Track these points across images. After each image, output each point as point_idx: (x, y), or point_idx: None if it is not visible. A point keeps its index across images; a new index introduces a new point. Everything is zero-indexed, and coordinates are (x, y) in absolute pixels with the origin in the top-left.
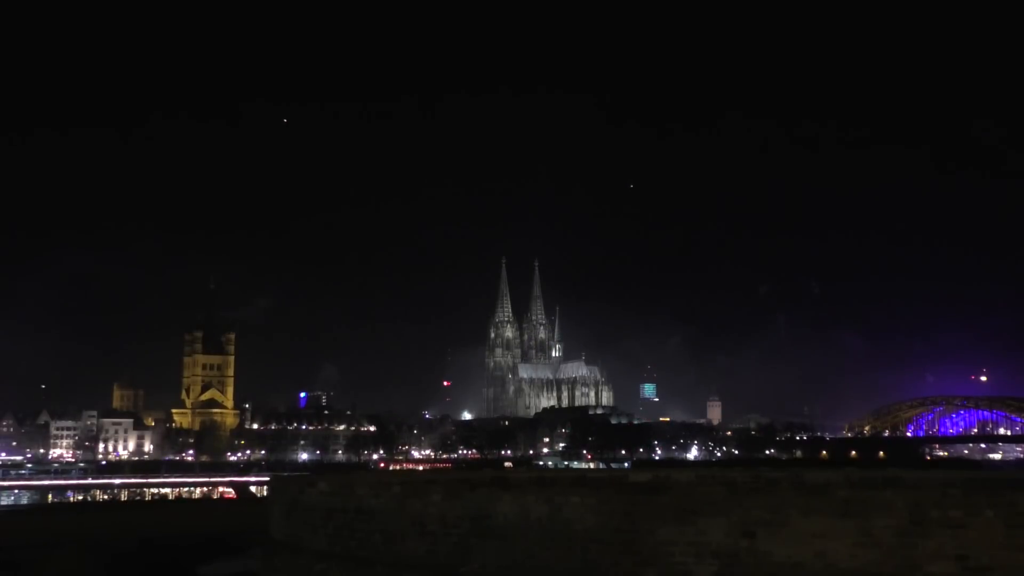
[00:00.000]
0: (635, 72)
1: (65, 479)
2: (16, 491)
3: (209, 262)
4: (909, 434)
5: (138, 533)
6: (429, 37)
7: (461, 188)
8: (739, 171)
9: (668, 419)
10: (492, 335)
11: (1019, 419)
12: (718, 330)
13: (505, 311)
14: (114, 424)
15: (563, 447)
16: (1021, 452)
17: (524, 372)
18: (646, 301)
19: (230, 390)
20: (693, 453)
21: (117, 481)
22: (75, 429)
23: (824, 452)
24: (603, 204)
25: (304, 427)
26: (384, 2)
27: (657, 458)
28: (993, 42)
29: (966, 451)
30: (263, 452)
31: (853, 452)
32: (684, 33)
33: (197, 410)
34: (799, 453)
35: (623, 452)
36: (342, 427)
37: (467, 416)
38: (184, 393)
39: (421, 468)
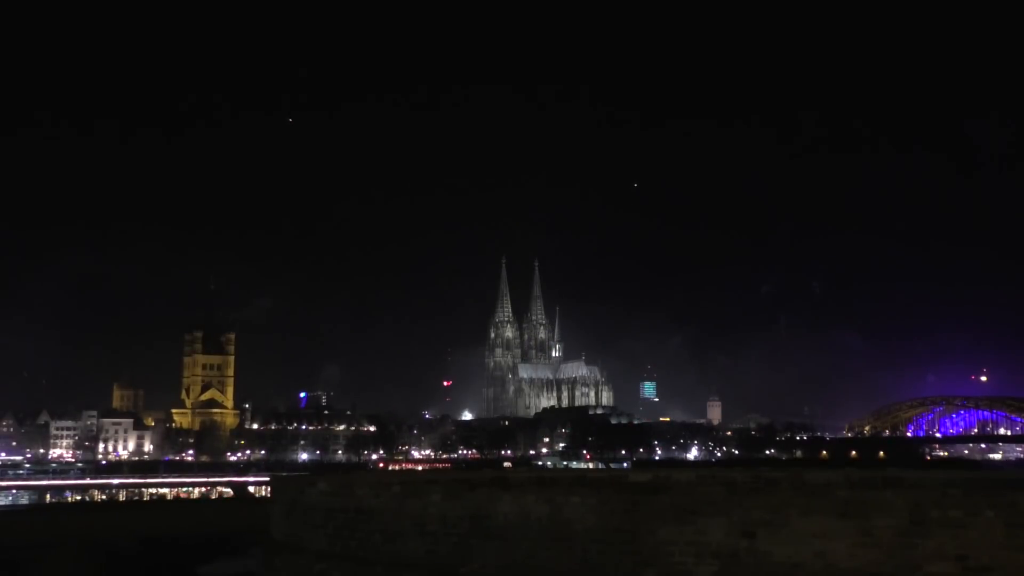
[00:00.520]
0: (636, 71)
1: (63, 479)
2: (14, 491)
3: (209, 262)
4: (909, 434)
5: (138, 533)
6: (429, 36)
7: (461, 188)
8: (740, 171)
9: (668, 419)
10: (492, 335)
11: (1019, 419)
12: (718, 330)
13: (505, 311)
14: (114, 424)
15: (563, 447)
16: (1021, 452)
17: (524, 372)
18: (646, 301)
19: (230, 390)
20: (693, 453)
21: (115, 481)
22: (75, 429)
23: (824, 452)
24: (603, 204)
25: (304, 427)
26: (382, 1)
27: (657, 458)
28: (994, 42)
29: (966, 451)
30: (263, 452)
31: (853, 452)
32: (686, 32)
33: (197, 410)
34: (799, 453)
35: (623, 452)
36: (342, 427)
37: (467, 416)
38: (184, 393)
39: (420, 468)
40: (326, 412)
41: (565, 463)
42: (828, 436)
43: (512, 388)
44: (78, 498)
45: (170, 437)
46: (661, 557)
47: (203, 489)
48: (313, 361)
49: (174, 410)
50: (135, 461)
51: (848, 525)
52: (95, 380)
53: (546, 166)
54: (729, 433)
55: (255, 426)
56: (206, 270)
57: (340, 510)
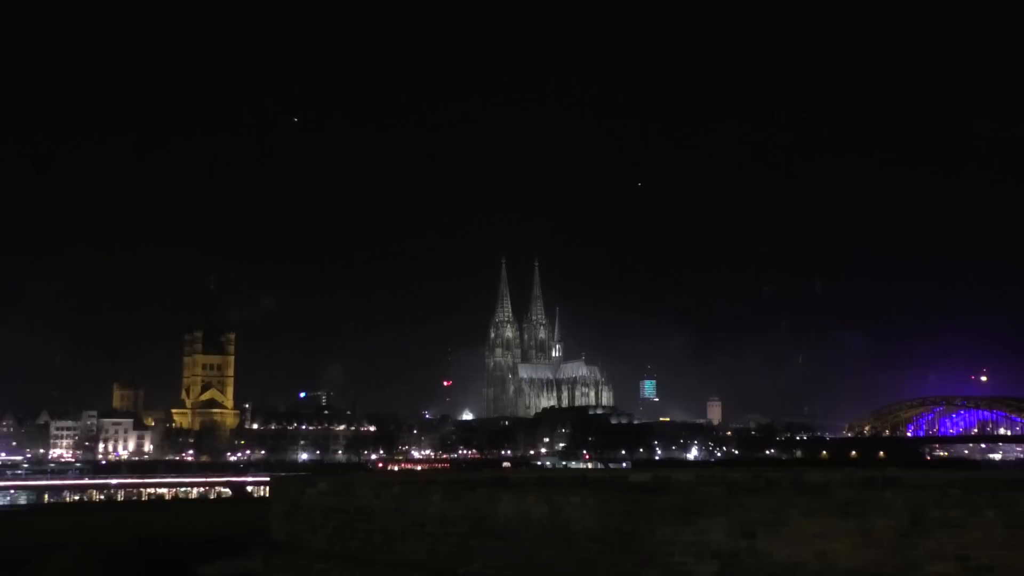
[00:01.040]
0: (637, 71)
1: (62, 479)
2: (12, 491)
3: (210, 263)
4: (909, 434)
5: (138, 533)
6: (431, 37)
7: (461, 188)
8: (740, 171)
9: (668, 419)
10: (492, 335)
11: (1019, 419)
12: (718, 330)
13: (505, 311)
14: (114, 424)
15: (563, 447)
16: (1021, 452)
17: (524, 372)
18: (646, 301)
19: (230, 390)
20: (693, 453)
21: (114, 481)
22: (75, 429)
23: (824, 452)
24: (603, 204)
25: (304, 427)
26: (383, 3)
27: (657, 458)
28: (994, 43)
29: (966, 451)
30: (263, 452)
31: (853, 452)
32: (686, 34)
33: (197, 410)
34: (799, 453)
35: (623, 452)
36: (342, 427)
37: (467, 416)
38: (184, 393)
39: (420, 468)
40: (326, 412)
41: (564, 463)
42: (828, 436)
43: (512, 388)
44: (76, 498)
45: (170, 437)
46: (661, 557)
47: (201, 489)
48: (313, 361)
49: (174, 410)
50: (133, 461)
51: (848, 525)
52: (95, 380)
53: (546, 166)
54: (729, 433)
55: (255, 426)
56: (206, 270)
57: (340, 510)
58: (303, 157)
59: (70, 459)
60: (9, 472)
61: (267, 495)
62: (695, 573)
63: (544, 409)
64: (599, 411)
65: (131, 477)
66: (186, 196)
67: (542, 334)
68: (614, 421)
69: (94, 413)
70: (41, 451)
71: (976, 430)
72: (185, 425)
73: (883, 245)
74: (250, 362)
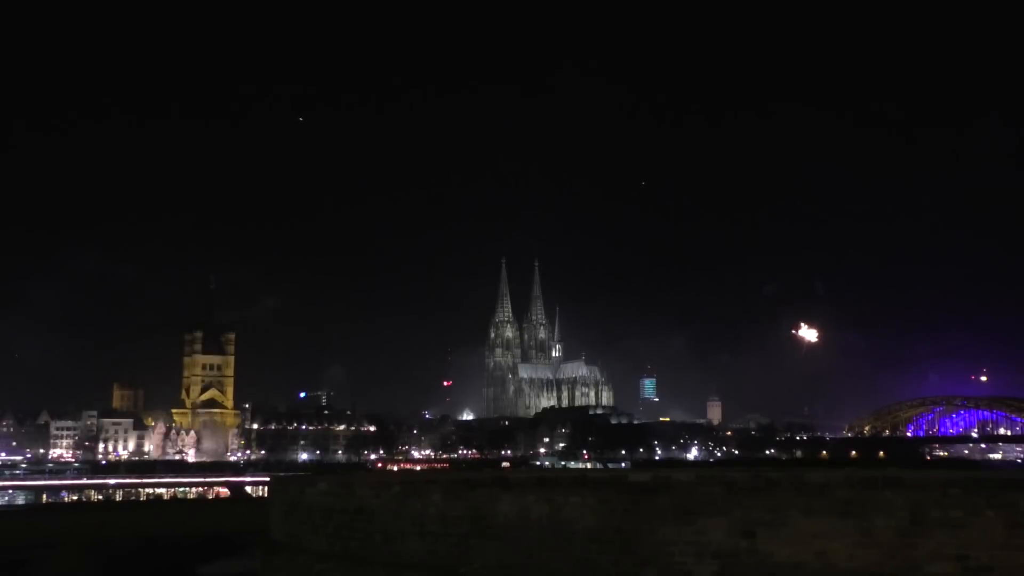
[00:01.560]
0: (637, 70)
1: (60, 479)
2: (10, 491)
3: (210, 262)
4: (909, 434)
5: (137, 533)
6: (431, 34)
7: (462, 187)
8: (741, 171)
9: (668, 419)
10: (492, 335)
11: (1019, 419)
12: (718, 330)
13: (505, 311)
14: (114, 424)
15: (563, 447)
16: (1021, 452)
17: (524, 372)
18: (646, 301)
19: (230, 390)
20: (693, 453)
21: (112, 481)
22: (75, 429)
23: (824, 452)
24: (603, 204)
25: (304, 427)
26: None
27: (657, 458)
28: (1000, 38)
29: (966, 451)
30: (263, 452)
31: (853, 452)
32: (685, 30)
33: (197, 410)
34: (799, 453)
35: (623, 452)
36: (342, 427)
37: (467, 416)
38: (184, 393)
39: (419, 468)
40: (326, 412)
41: (563, 463)
42: (828, 436)
43: (512, 388)
44: (74, 498)
45: (170, 437)
46: (661, 557)
47: (200, 489)
48: (313, 361)
49: (174, 410)
50: (132, 461)
51: (848, 525)
52: (95, 380)
53: (546, 166)
54: (729, 433)
55: (255, 426)
56: (206, 270)
57: (340, 510)
58: (303, 157)
59: (70, 459)
60: (7, 472)
61: (266, 495)
62: (695, 573)
63: (544, 409)
64: (599, 411)
65: (129, 477)
66: (186, 196)
67: (542, 334)
68: (614, 421)
69: (94, 413)
70: (41, 451)
71: (976, 430)
72: (185, 425)
73: (883, 245)
74: (250, 362)
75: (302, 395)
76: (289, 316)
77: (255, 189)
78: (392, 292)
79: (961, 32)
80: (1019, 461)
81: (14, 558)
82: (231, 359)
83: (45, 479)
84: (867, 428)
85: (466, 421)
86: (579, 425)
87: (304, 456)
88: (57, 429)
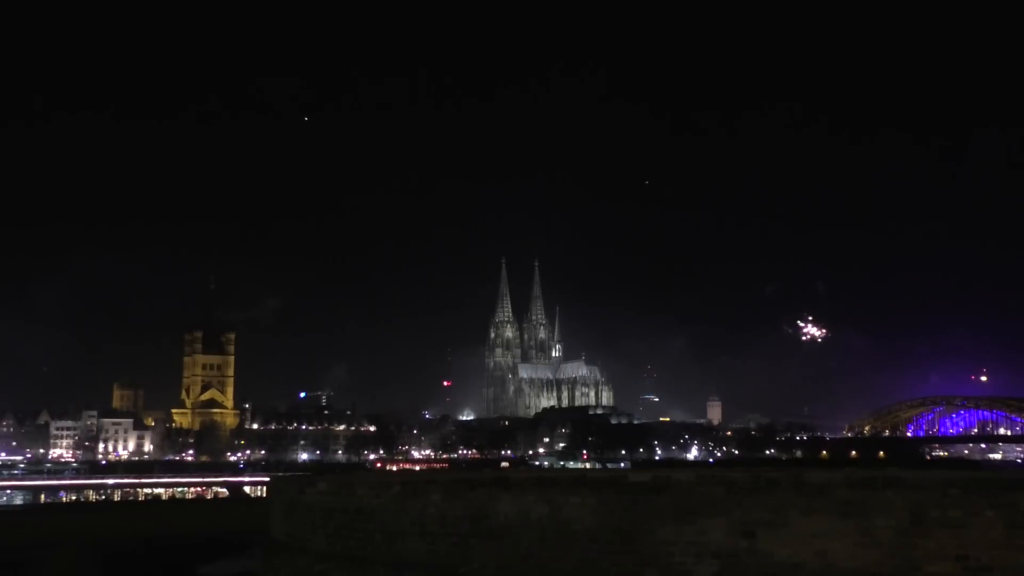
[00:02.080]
0: (638, 70)
1: (58, 479)
2: (9, 491)
3: (210, 262)
4: (909, 434)
5: (137, 533)
6: (432, 34)
7: (462, 187)
8: (742, 170)
9: (668, 419)
10: (492, 335)
11: (1019, 419)
12: (718, 330)
13: (505, 311)
14: (114, 424)
15: (563, 447)
16: (1021, 452)
17: (524, 372)
18: (647, 301)
19: (230, 390)
20: (693, 453)
21: (111, 481)
22: (75, 429)
23: (824, 452)
24: (603, 203)
25: (304, 427)
26: None
27: (657, 458)
28: (1000, 41)
29: (966, 451)
30: (263, 452)
31: (853, 452)
32: (687, 29)
33: (197, 410)
34: (799, 453)
35: (623, 452)
36: (342, 427)
37: (467, 416)
38: (184, 393)
39: (418, 468)
40: (326, 412)
41: (562, 463)
42: (828, 436)
43: (512, 388)
44: (73, 498)
45: (170, 437)
46: (661, 557)
47: (198, 489)
48: (313, 361)
49: (174, 410)
50: (130, 461)
51: (848, 525)
52: (95, 380)
53: (547, 166)
54: (729, 433)
55: (255, 426)
56: (207, 270)
57: (340, 510)
58: (303, 156)
59: (70, 459)
60: (5, 472)
61: (264, 495)
62: (695, 573)
63: (544, 409)
64: (599, 411)
65: (128, 477)
66: (187, 196)
67: (542, 334)
68: (614, 421)
69: (94, 413)
70: (41, 451)
71: (976, 430)
72: (185, 425)
73: (883, 245)
74: (250, 362)
75: (302, 395)
76: (289, 316)
77: (256, 190)
78: (392, 292)
79: (960, 33)
80: (1019, 461)
81: (12, 558)
82: (231, 359)
83: (43, 479)
84: (867, 428)
85: (466, 421)
86: (579, 425)
87: (304, 456)
88: (57, 429)
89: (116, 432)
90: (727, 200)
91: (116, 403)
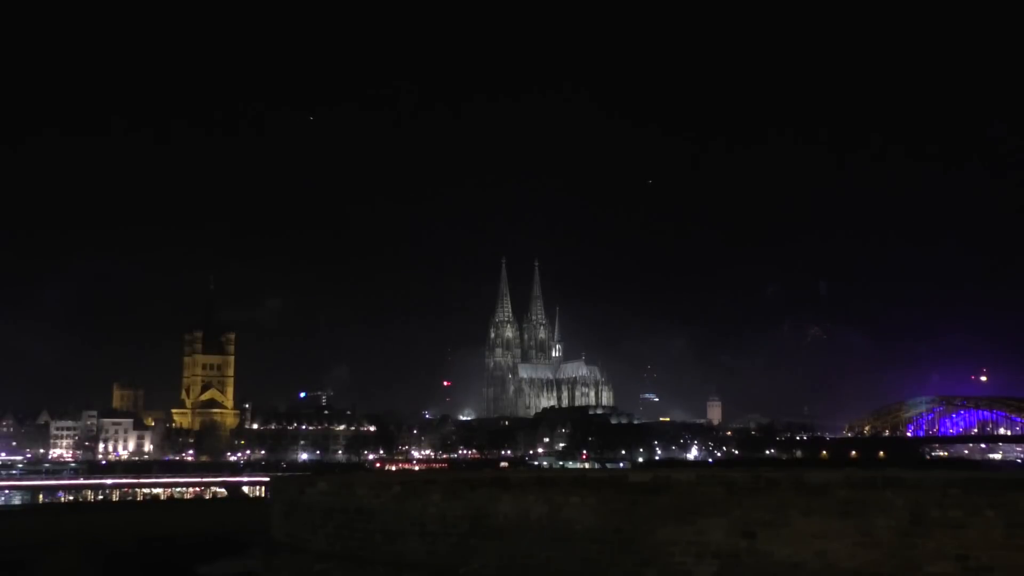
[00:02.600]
0: (638, 70)
1: (56, 479)
2: (6, 491)
3: (210, 262)
4: (909, 434)
5: (136, 533)
6: (432, 36)
7: (461, 188)
8: (742, 171)
9: (668, 419)
10: (492, 335)
11: (1019, 419)
12: (718, 330)
13: (505, 311)
14: (114, 424)
15: (563, 447)
16: (1021, 452)
17: (524, 372)
18: (647, 301)
19: (230, 390)
20: (693, 453)
21: (109, 481)
22: (75, 429)
23: (824, 452)
24: (603, 203)
25: (304, 427)
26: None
27: (657, 458)
28: (1000, 43)
29: (966, 451)
30: (263, 452)
31: (853, 452)
32: (691, 33)
33: (197, 410)
34: (799, 453)
35: (623, 452)
36: (342, 427)
37: (467, 416)
38: (184, 393)
39: (416, 468)
40: (326, 412)
41: (561, 463)
42: (828, 436)
43: (512, 388)
44: (71, 498)
45: (170, 437)
46: (661, 557)
47: (197, 489)
48: (313, 361)
49: (174, 410)
50: (129, 461)
51: (848, 525)
52: (95, 380)
53: (547, 166)
54: (729, 433)
55: (255, 426)
56: (206, 270)
57: (340, 510)
58: (303, 156)
59: (70, 459)
60: (3, 472)
61: (263, 495)
62: (695, 573)
63: (544, 409)
64: (599, 411)
65: (126, 477)
66: (186, 195)
67: (542, 334)
68: (614, 421)
69: (94, 413)
70: (41, 451)
71: (976, 430)
72: (185, 425)
73: (884, 245)
74: (250, 362)
75: (302, 395)
76: (289, 316)
77: (257, 191)
78: (392, 292)
79: (960, 37)
80: (1019, 461)
81: (10, 558)
82: (231, 359)
83: (41, 479)
84: (867, 428)
85: (466, 421)
86: (579, 425)
87: (304, 456)
88: (57, 429)
89: (116, 432)
90: (727, 200)
91: (116, 403)
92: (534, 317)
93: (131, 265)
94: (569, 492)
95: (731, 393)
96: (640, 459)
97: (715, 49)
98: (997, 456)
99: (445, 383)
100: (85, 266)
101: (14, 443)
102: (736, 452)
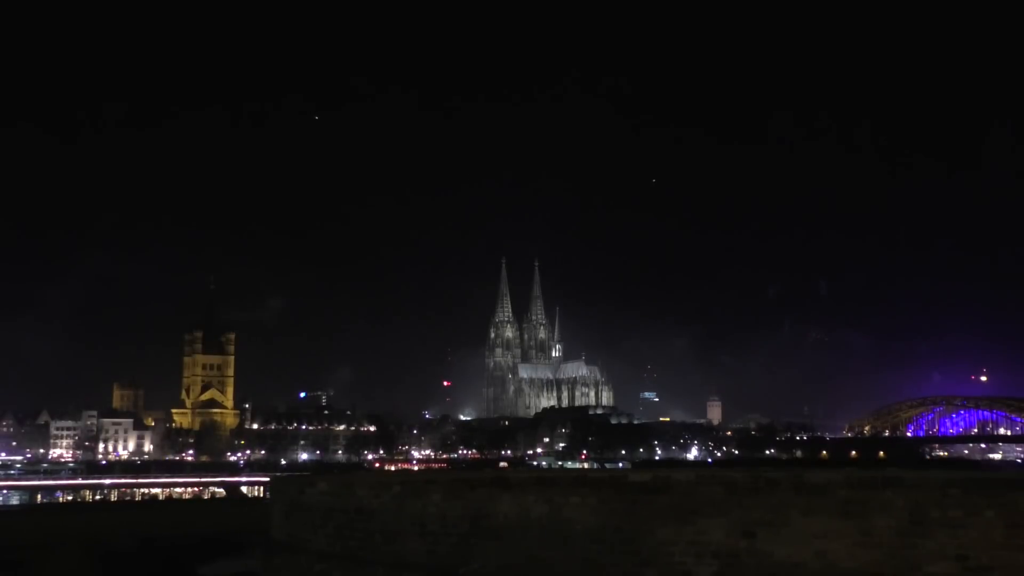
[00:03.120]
0: (638, 70)
1: (55, 479)
2: (5, 491)
3: (210, 262)
4: (909, 434)
5: (136, 533)
6: (434, 37)
7: (461, 188)
8: (742, 171)
9: (668, 419)
10: (492, 335)
11: (1019, 419)
12: (719, 330)
13: (505, 311)
14: (114, 424)
15: (563, 447)
16: (1021, 452)
17: (524, 372)
18: (647, 301)
19: (230, 390)
20: (693, 453)
21: (107, 481)
22: (75, 429)
23: (824, 452)
24: (603, 203)
25: (304, 427)
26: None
27: (657, 458)
28: (1003, 45)
29: (966, 451)
30: (263, 452)
31: (853, 452)
32: (689, 31)
33: (197, 410)
34: (799, 453)
35: (623, 452)
36: (342, 427)
37: (467, 416)
38: (184, 393)
39: (417, 468)
40: (326, 412)
41: (561, 463)
42: (828, 436)
43: (512, 388)
44: (69, 498)
45: (170, 437)
46: (661, 557)
47: (195, 489)
48: (313, 361)
49: (174, 410)
50: (128, 461)
51: (848, 525)
52: (95, 380)
53: (547, 166)
54: (729, 433)
55: (255, 426)
56: (206, 270)
57: (340, 510)
58: (304, 156)
59: (70, 459)
60: (2, 472)
61: (262, 495)
62: (695, 573)
63: (544, 409)
64: (599, 411)
65: (125, 477)
66: (189, 198)
67: (542, 334)
68: (614, 421)
69: (94, 413)
70: (41, 451)
71: (976, 430)
72: (185, 425)
73: (884, 245)
74: (250, 362)
75: (302, 395)
76: (289, 316)
77: (258, 192)
78: (392, 292)
79: (963, 39)
80: (1019, 461)
81: (10, 558)
82: (231, 359)
83: (40, 479)
84: (867, 428)
85: (466, 421)
86: (579, 425)
87: (304, 456)
88: (57, 429)
89: (116, 432)
90: (728, 201)
91: (116, 403)
92: (534, 317)
93: (131, 265)
94: (569, 492)
95: (731, 393)
96: (640, 459)
97: (715, 49)
98: (997, 456)
99: (445, 383)
100: (85, 266)
101: (14, 443)
102: (736, 452)
